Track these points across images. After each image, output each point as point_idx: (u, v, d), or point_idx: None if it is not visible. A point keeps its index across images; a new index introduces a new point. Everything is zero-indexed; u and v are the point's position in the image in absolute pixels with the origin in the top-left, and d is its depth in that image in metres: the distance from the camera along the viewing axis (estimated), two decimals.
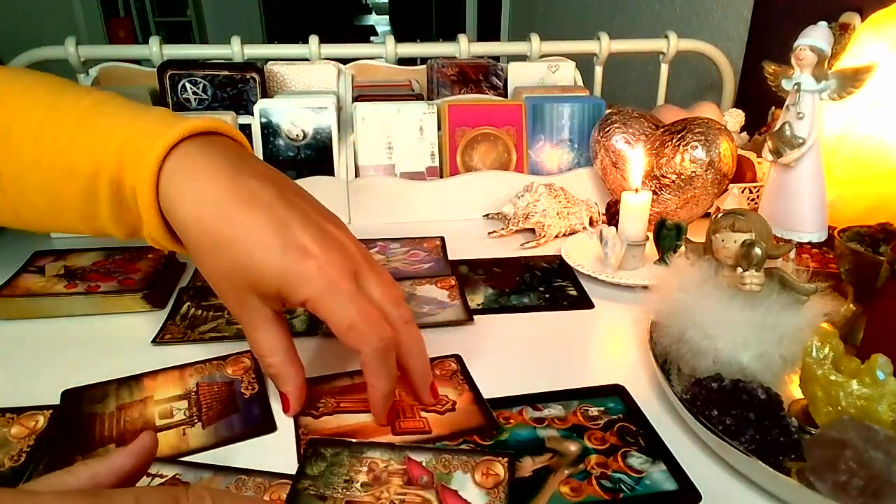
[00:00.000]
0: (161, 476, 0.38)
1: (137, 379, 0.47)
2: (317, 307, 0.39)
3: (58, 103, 0.43)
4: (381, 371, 0.40)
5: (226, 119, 0.73)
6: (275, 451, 0.40)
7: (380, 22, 7.88)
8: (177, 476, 0.38)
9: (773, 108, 0.85)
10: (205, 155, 0.41)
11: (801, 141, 0.54)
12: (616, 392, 0.46)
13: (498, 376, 0.48)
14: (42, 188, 0.43)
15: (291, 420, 0.43)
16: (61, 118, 0.43)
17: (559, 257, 0.67)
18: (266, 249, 0.38)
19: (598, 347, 0.54)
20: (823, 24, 0.53)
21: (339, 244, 0.41)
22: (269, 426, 0.42)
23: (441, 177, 0.79)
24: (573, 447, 0.40)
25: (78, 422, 0.42)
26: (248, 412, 0.44)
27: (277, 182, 0.42)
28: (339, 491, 0.36)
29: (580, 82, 0.90)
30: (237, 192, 0.40)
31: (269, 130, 0.75)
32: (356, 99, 0.81)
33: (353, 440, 0.40)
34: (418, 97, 0.86)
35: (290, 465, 0.39)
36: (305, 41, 0.92)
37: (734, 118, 0.83)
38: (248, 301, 0.40)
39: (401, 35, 0.95)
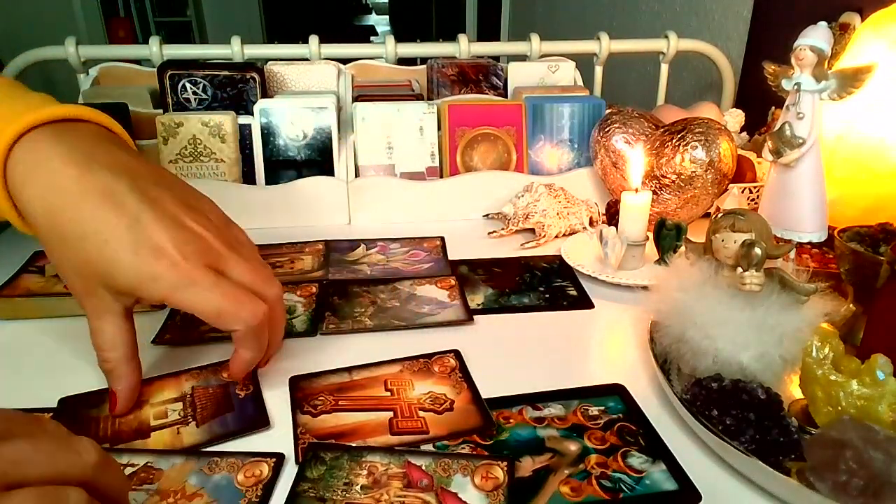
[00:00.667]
0: (132, 465, 0.38)
1: None
2: (177, 302, 0.39)
3: None
4: (254, 344, 0.42)
5: (226, 119, 0.73)
6: (272, 451, 0.40)
7: (380, 22, 7.88)
8: (148, 464, 0.38)
9: (773, 108, 0.85)
10: (56, 144, 0.39)
11: (801, 141, 0.54)
12: (616, 391, 0.46)
13: (498, 376, 0.47)
14: None
15: (290, 419, 0.43)
16: None
17: (559, 257, 0.67)
18: (117, 248, 0.38)
19: (598, 347, 0.54)
20: (823, 24, 0.53)
21: (196, 236, 0.40)
22: (263, 422, 0.42)
23: (441, 177, 0.79)
24: (573, 447, 0.40)
25: (75, 423, 0.42)
26: (242, 410, 0.44)
27: (135, 173, 0.40)
28: (339, 493, 0.36)
29: (580, 82, 0.90)
30: (87, 185, 0.38)
31: (269, 130, 0.75)
32: (356, 99, 0.81)
33: (353, 444, 0.40)
34: (418, 97, 0.86)
35: (287, 464, 0.39)
36: (305, 41, 0.92)
37: (734, 118, 0.83)
38: (98, 293, 0.40)
39: (401, 35, 0.95)
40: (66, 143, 0.40)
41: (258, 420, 0.43)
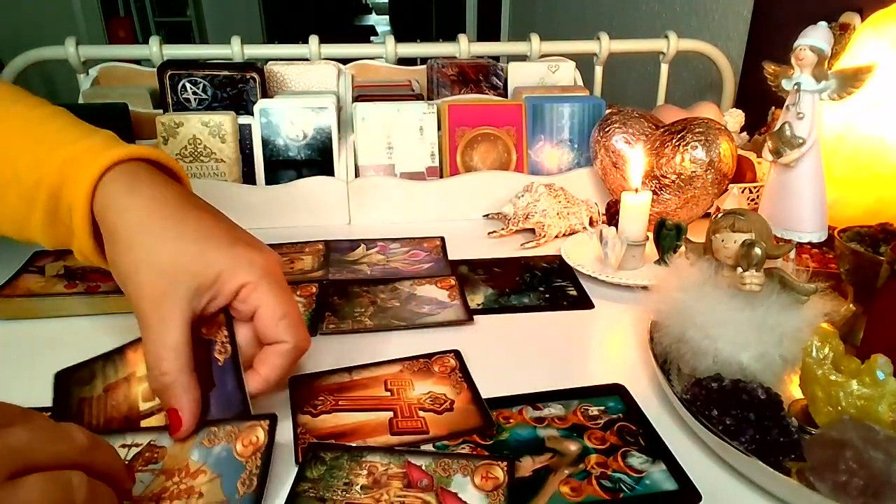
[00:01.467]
0: (136, 445, 0.38)
1: (120, 352, 0.45)
2: (255, 291, 0.41)
3: (8, 112, 0.45)
4: (286, 366, 0.42)
5: (226, 119, 0.73)
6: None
7: (380, 22, 7.88)
8: (152, 442, 0.38)
9: (773, 108, 0.85)
10: (148, 173, 0.43)
11: (801, 141, 0.54)
12: (616, 391, 0.46)
13: (498, 376, 0.48)
14: None
15: (290, 419, 0.43)
16: (10, 126, 0.44)
17: (559, 257, 0.67)
18: (216, 239, 0.41)
19: (598, 347, 0.54)
20: (823, 24, 0.53)
21: (275, 253, 0.45)
22: (244, 413, 0.40)
23: (441, 177, 0.79)
24: (573, 447, 0.40)
25: (71, 414, 0.42)
26: (223, 386, 0.41)
27: (214, 207, 0.45)
28: (339, 493, 0.36)
29: (580, 82, 0.90)
30: (184, 199, 0.43)
31: (269, 130, 0.75)
32: (356, 99, 0.81)
33: (353, 444, 0.40)
34: (418, 97, 0.86)
35: (288, 465, 0.39)
36: (305, 41, 0.92)
37: (734, 118, 0.83)
38: (175, 293, 0.39)
39: (401, 35, 0.96)
40: (155, 173, 0.44)
41: (239, 410, 0.40)
